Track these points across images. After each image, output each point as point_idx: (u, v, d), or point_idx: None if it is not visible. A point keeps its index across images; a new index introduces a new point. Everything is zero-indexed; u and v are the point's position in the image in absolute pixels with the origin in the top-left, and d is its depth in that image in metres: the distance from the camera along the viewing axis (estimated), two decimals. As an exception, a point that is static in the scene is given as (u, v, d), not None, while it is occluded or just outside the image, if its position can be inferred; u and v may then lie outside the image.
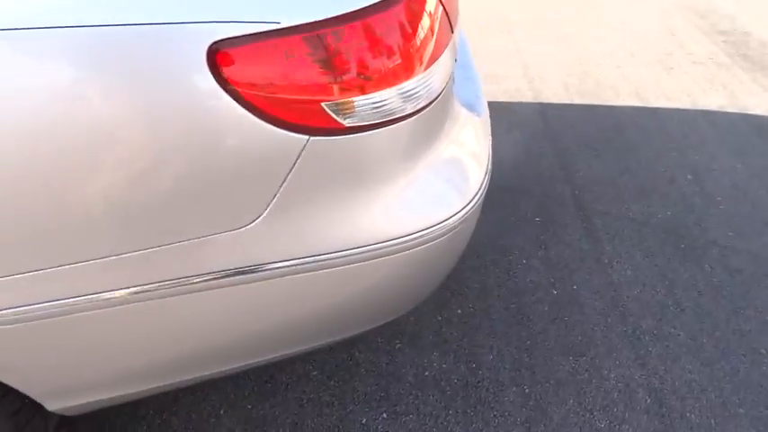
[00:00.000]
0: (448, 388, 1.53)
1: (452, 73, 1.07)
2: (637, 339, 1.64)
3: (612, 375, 1.55)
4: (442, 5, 0.96)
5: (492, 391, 1.52)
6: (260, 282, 0.92)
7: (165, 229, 0.84)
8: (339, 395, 1.52)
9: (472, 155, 1.09)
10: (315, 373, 1.57)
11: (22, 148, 0.74)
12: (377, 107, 0.86)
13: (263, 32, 0.75)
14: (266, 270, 0.91)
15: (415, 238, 0.97)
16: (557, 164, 2.38)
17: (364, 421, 1.45)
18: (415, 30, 0.87)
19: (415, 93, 0.90)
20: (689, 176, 2.29)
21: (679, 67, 3.12)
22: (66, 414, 1.11)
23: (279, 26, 0.76)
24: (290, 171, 0.84)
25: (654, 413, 1.45)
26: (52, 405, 1.05)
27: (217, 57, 0.75)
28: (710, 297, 1.77)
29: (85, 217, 0.81)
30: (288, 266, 0.91)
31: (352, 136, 0.86)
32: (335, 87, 0.81)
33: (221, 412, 1.48)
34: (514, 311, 1.74)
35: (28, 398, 1.03)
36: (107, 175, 0.77)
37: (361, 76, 0.83)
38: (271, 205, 0.87)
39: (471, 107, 1.23)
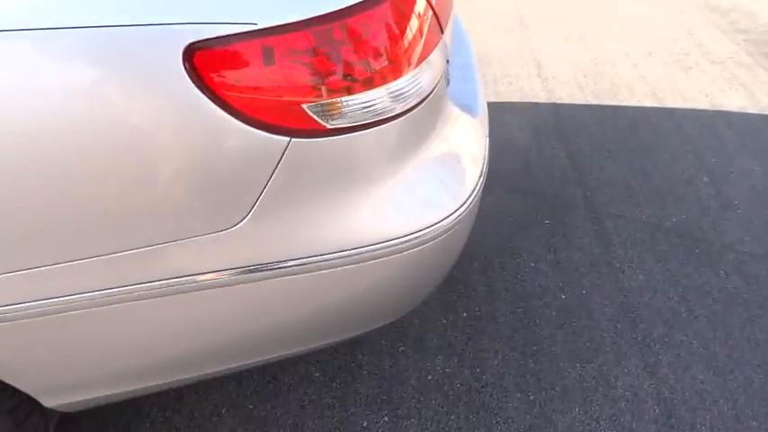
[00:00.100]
0: (451, 392, 1.50)
1: (444, 73, 1.04)
2: (647, 347, 1.60)
3: (620, 384, 1.50)
4: (430, 6, 0.94)
5: (496, 396, 1.49)
6: (247, 283, 0.91)
7: (150, 230, 0.83)
8: (341, 397, 1.50)
9: (466, 156, 1.06)
10: (317, 374, 1.56)
11: (5, 148, 0.74)
12: (361, 108, 0.84)
13: (240, 34, 0.74)
14: (253, 272, 0.90)
15: (406, 241, 0.95)
16: (569, 165, 2.34)
17: (365, 424, 1.43)
18: (400, 30, 0.85)
19: (402, 93, 0.88)
20: (705, 179, 2.23)
21: (697, 66, 3.04)
22: (65, 411, 1.11)
23: (255, 27, 0.74)
24: (273, 173, 0.83)
25: (662, 424, 1.41)
26: (49, 402, 1.05)
27: (194, 58, 0.74)
28: (725, 304, 1.71)
29: (73, 217, 0.80)
30: (275, 268, 0.90)
31: (336, 137, 0.84)
32: (316, 89, 0.79)
33: (223, 411, 1.48)
34: (521, 316, 1.70)
35: (25, 394, 1.04)
36: (86, 176, 0.77)
37: (344, 77, 0.81)
38: (255, 207, 0.85)
39: (468, 108, 1.20)
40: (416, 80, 0.91)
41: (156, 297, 0.89)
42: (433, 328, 1.68)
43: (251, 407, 1.48)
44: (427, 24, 0.94)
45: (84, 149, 0.75)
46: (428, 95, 0.95)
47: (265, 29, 0.75)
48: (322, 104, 0.81)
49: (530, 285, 1.81)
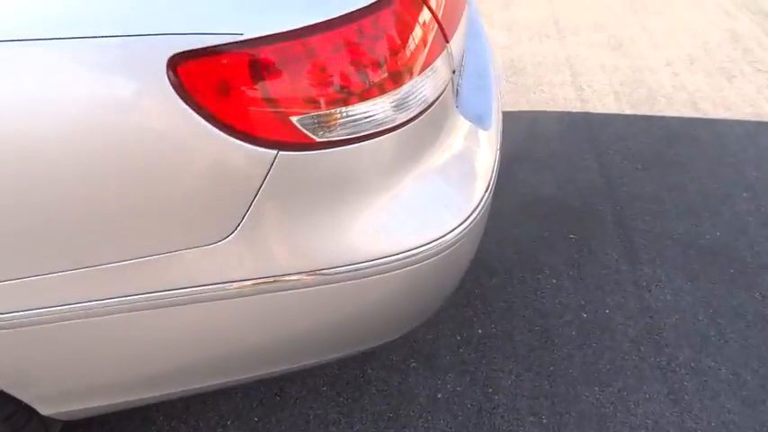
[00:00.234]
0: (460, 413, 1.46)
1: (449, 84, 1.00)
2: (671, 372, 1.51)
3: (641, 411, 1.43)
4: (433, 14, 0.90)
5: (507, 419, 1.43)
6: (237, 298, 0.89)
7: (136, 242, 0.82)
8: (347, 413, 1.47)
9: (471, 169, 1.02)
10: (324, 388, 1.53)
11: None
12: (354, 120, 0.82)
13: (226, 44, 0.72)
14: (242, 287, 0.88)
15: (403, 258, 0.92)
16: (599, 177, 2.26)
17: (370, 442, 1.40)
18: (397, 39, 0.82)
19: (399, 105, 0.85)
20: (744, 194, 2.12)
21: (742, 75, 2.90)
22: (63, 419, 1.12)
23: (242, 38, 0.72)
24: (261, 186, 0.81)
25: (683, 455, 1.33)
26: (45, 410, 1.05)
27: (178, 69, 0.72)
28: (759, 329, 1.61)
29: (62, 229, 0.80)
30: (265, 284, 0.88)
31: (326, 151, 0.82)
32: (305, 100, 0.77)
33: (228, 422, 1.47)
34: (539, 334, 1.64)
35: (23, 402, 1.05)
36: (70, 188, 0.76)
37: (337, 89, 0.78)
38: (245, 220, 0.83)
39: (479, 119, 1.16)
40: (415, 91, 0.88)
41: (148, 309, 0.88)
42: (446, 344, 1.63)
43: (256, 419, 1.47)
44: (430, 33, 0.90)
45: (67, 161, 0.74)
46: (428, 107, 0.91)
47: (252, 39, 0.73)
48: (312, 117, 0.78)
49: (550, 303, 1.74)
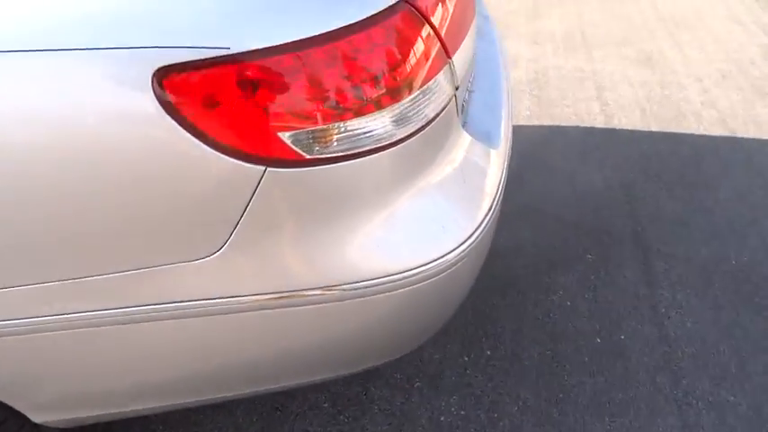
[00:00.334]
0: (463, 438, 1.41)
1: (453, 100, 0.97)
2: (687, 405, 1.44)
3: (653, 444, 1.36)
4: (434, 29, 0.87)
5: (511, 446, 1.38)
6: (223, 315, 0.86)
7: (122, 256, 0.81)
8: (347, 432, 1.44)
9: (474, 189, 0.98)
10: (326, 405, 1.50)
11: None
12: (345, 137, 0.79)
13: (212, 58, 0.70)
14: (229, 303, 0.85)
15: (400, 279, 0.88)
16: (621, 196, 2.19)
17: (369, 464, 1.36)
18: (389, 56, 0.79)
19: (394, 122, 0.82)
20: (774, 218, 2.03)
21: (777, 93, 2.80)
22: (56, 427, 1.11)
23: (228, 51, 0.70)
24: (249, 202, 0.78)
25: (697, 495, 1.26)
26: (36, 418, 1.05)
27: (163, 82, 0.70)
28: (784, 362, 1.53)
29: (45, 240, 0.79)
30: (252, 301, 0.85)
31: (316, 168, 0.79)
32: (292, 117, 0.74)
33: (227, 437, 1.45)
34: (549, 359, 1.58)
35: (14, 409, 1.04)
36: (54, 200, 0.75)
37: (326, 105, 0.76)
38: (233, 236, 0.81)
39: (486, 136, 1.12)
40: (413, 107, 0.85)
41: (134, 323, 0.86)
42: (452, 365, 1.59)
43: (254, 433, 1.44)
44: (431, 48, 0.87)
45: (50, 173, 0.73)
46: (428, 124, 0.88)
47: (239, 53, 0.71)
48: (302, 133, 0.76)
49: (563, 326, 1.68)
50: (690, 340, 1.61)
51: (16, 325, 0.87)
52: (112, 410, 1.01)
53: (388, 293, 0.89)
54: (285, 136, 0.75)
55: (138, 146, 0.72)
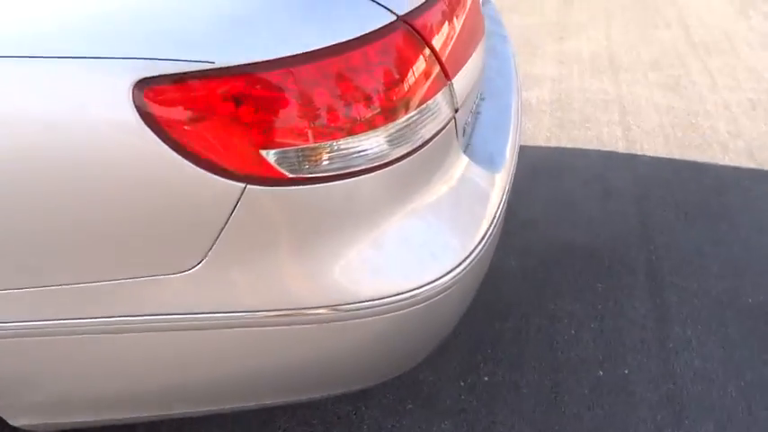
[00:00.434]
0: (453, 465, 1.37)
1: (452, 122, 0.95)
2: (689, 447, 1.39)
3: (649, 486, 1.31)
4: (433, 51, 0.85)
5: (502, 478, 1.34)
6: (201, 330, 0.85)
7: (99, 265, 0.80)
8: (335, 451, 1.41)
9: (470, 213, 0.96)
10: (315, 421, 1.48)
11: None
12: (333, 156, 0.77)
13: (196, 72, 0.69)
14: (203, 320, 0.84)
15: (381, 304, 0.86)
16: (637, 224, 2.13)
17: (354, 486, 1.34)
18: (383, 75, 0.77)
19: (386, 143, 0.80)
20: (796, 257, 1.95)
21: (809, 126, 2.71)
22: (33, 431, 1.11)
23: (212, 66, 0.69)
24: (228, 219, 0.77)
25: None
26: (13, 421, 1.05)
27: (144, 94, 0.70)
28: (795, 409, 1.46)
29: (14, 246, 0.79)
30: (231, 318, 0.84)
31: (301, 187, 0.77)
32: (275, 135, 0.73)
33: (213, 447, 1.44)
34: (548, 389, 1.54)
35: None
36: (30, 207, 0.75)
37: (313, 124, 0.74)
38: (211, 253, 0.80)
39: (489, 159, 1.10)
40: (406, 129, 0.83)
41: (112, 333, 0.86)
42: (448, 388, 1.55)
43: (240, 445, 1.43)
44: (430, 69, 0.85)
45: (26, 180, 0.73)
46: (422, 146, 0.86)
47: (223, 68, 0.70)
48: (284, 151, 0.75)
49: (566, 355, 1.64)
50: (697, 379, 1.55)
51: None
52: (90, 418, 1.01)
53: (372, 318, 0.87)
54: (268, 154, 0.74)
55: (116, 156, 0.72)
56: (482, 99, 1.34)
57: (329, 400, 1.53)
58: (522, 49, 3.62)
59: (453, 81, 0.92)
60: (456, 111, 0.95)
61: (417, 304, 0.90)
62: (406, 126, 0.83)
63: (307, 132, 0.74)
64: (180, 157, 0.72)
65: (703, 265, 1.93)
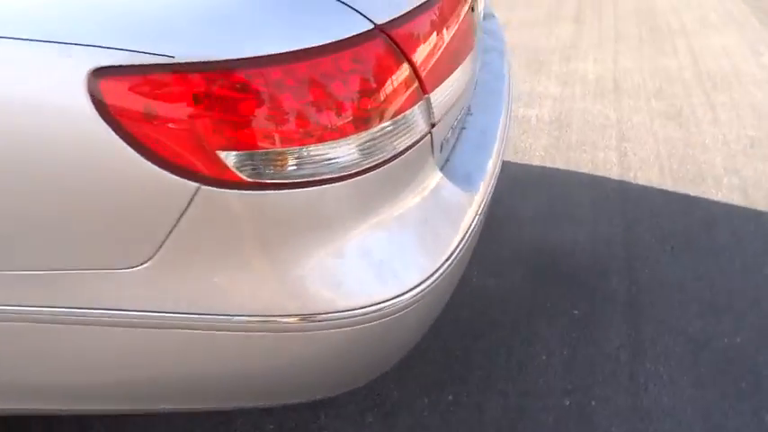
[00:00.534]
0: (406, 483, 1.35)
1: (428, 137, 0.92)
2: (648, 487, 1.36)
3: None
4: (411, 64, 0.82)
5: (454, 501, 1.32)
6: (144, 328, 0.83)
7: (44, 253, 0.78)
8: (289, 458, 1.39)
9: (434, 235, 0.93)
10: (271, 427, 1.45)
11: None
12: (294, 164, 0.75)
13: (154, 65, 0.67)
14: (152, 318, 0.82)
15: (331, 319, 0.84)
16: (621, 253, 2.11)
17: (305, 495, 1.31)
18: (348, 85, 0.75)
19: (349, 154, 0.78)
20: (778, 301, 1.93)
21: (806, 169, 2.68)
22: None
23: (172, 60, 0.67)
24: (180, 219, 0.75)
25: None
26: None
27: (100, 84, 0.67)
28: (759, 458, 1.44)
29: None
30: (175, 319, 0.82)
31: (258, 192, 0.75)
32: (236, 136, 0.70)
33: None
34: (512, 414, 1.51)
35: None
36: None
37: (273, 128, 0.72)
38: (161, 251, 0.78)
39: (466, 178, 1.07)
40: (372, 142, 0.80)
41: (52, 323, 0.83)
42: (411, 404, 1.53)
43: (193, 444, 1.40)
44: (403, 83, 0.83)
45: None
46: (387, 161, 0.84)
47: (183, 63, 0.67)
48: (242, 154, 0.72)
49: (533, 381, 1.61)
50: (664, 417, 1.52)
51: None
52: (24, 406, 0.98)
53: (325, 330, 0.85)
54: (225, 155, 0.71)
55: (67, 144, 0.69)
56: (469, 114, 1.31)
57: (288, 407, 1.50)
58: (528, 67, 3.61)
59: (431, 95, 0.89)
60: (433, 126, 0.93)
61: (374, 320, 0.87)
62: (375, 137, 0.81)
63: (267, 136, 0.71)
64: (132, 151, 0.70)
65: (684, 300, 1.91)
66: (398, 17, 0.82)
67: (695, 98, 3.31)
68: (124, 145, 0.69)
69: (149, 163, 0.70)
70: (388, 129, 0.82)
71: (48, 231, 0.75)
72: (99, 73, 0.67)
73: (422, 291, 0.90)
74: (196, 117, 0.69)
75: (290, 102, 0.72)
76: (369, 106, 0.77)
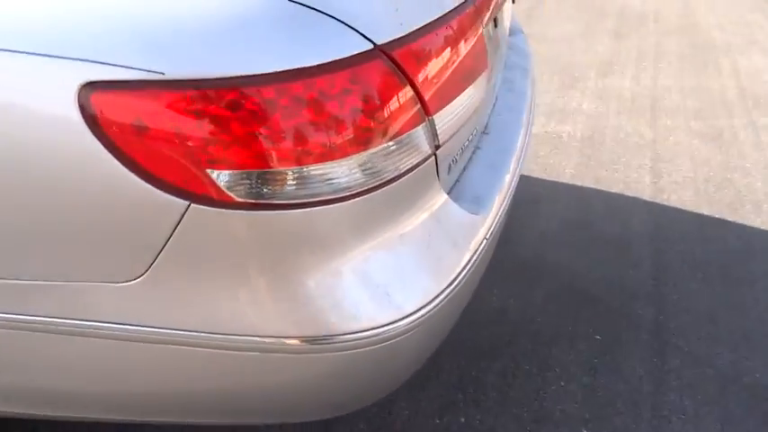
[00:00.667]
0: (410, 508, 1.32)
1: (432, 159, 0.90)
2: None
3: None
4: (411, 83, 0.81)
5: None
6: (133, 342, 0.83)
7: (34, 264, 0.79)
8: (294, 475, 1.37)
9: (435, 260, 0.91)
10: (278, 440, 1.44)
11: None
12: (286, 184, 0.74)
13: (144, 81, 0.67)
14: (143, 333, 0.82)
15: (322, 342, 0.82)
16: (649, 278, 2.03)
17: None
18: (345, 105, 0.74)
19: (344, 176, 0.77)
20: (815, 337, 1.82)
21: None
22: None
23: (162, 77, 0.67)
24: (171, 235, 0.75)
25: None
26: None
27: (91, 98, 0.68)
28: (787, 504, 1.35)
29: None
30: (166, 335, 0.81)
31: (248, 212, 0.74)
32: (225, 155, 0.70)
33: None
34: (525, 441, 1.47)
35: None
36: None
37: (265, 148, 0.71)
38: (153, 267, 0.78)
39: (475, 201, 1.05)
40: (369, 164, 0.79)
41: (41, 332, 0.84)
42: (421, 424, 1.50)
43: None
44: (404, 104, 0.81)
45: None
46: (385, 183, 0.82)
47: (174, 80, 0.67)
48: (232, 174, 0.72)
49: (550, 407, 1.56)
50: (685, 455, 1.45)
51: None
52: (17, 410, 0.99)
53: (313, 354, 0.83)
54: (219, 175, 0.71)
55: (56, 157, 0.71)
56: (485, 134, 1.29)
57: (298, 423, 1.49)
58: (563, 82, 3.54)
59: (435, 117, 0.87)
60: (437, 147, 0.91)
61: (372, 345, 0.85)
62: (373, 159, 0.79)
63: (258, 156, 0.71)
64: (122, 166, 0.70)
65: (713, 331, 1.82)
66: (401, 37, 0.81)
67: (737, 119, 3.19)
68: (113, 159, 0.69)
69: (138, 178, 0.71)
70: (387, 151, 0.80)
71: (42, 242, 0.77)
72: (90, 87, 0.67)
73: (422, 316, 0.88)
74: (185, 135, 0.69)
75: (283, 122, 0.71)
76: (365, 128, 0.76)
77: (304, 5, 0.73)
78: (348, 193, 0.77)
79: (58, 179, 0.72)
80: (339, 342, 0.82)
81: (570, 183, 2.55)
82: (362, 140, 0.76)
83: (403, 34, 0.81)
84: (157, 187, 0.71)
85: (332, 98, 0.73)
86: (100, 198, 0.72)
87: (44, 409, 0.95)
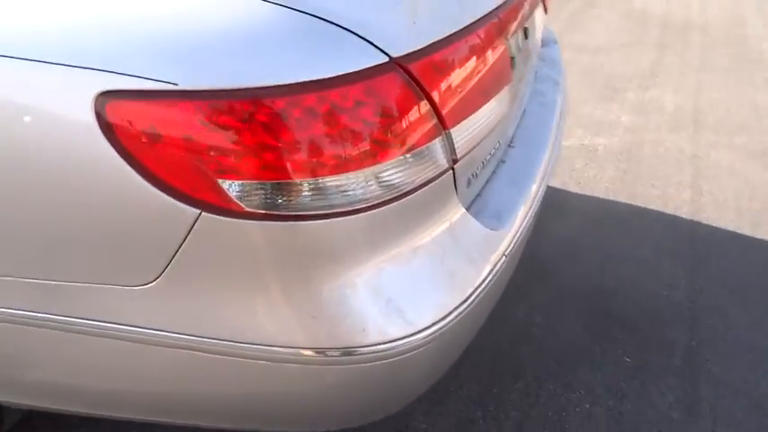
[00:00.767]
0: None
1: (450, 173, 0.89)
2: None
3: None
4: (427, 96, 0.79)
5: None
6: (147, 345, 0.84)
7: (51, 265, 0.80)
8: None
9: (449, 276, 0.89)
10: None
11: None
12: (296, 195, 0.73)
13: (158, 91, 0.68)
14: (155, 336, 0.82)
15: (326, 354, 0.81)
16: (685, 301, 1.96)
17: None
18: (358, 118, 0.73)
19: (356, 189, 0.76)
20: None
21: None
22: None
23: (175, 87, 0.67)
24: (183, 242, 0.75)
25: None
26: None
27: (106, 107, 0.69)
28: None
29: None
30: (177, 340, 0.82)
31: (257, 222, 0.74)
32: (233, 165, 0.70)
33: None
34: (544, 465, 1.43)
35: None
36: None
37: (273, 159, 0.71)
38: (166, 272, 0.78)
39: (495, 217, 1.02)
40: (382, 177, 0.78)
41: (59, 331, 0.86)
42: (437, 441, 1.47)
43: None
44: (420, 117, 0.80)
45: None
46: (398, 198, 0.81)
47: (187, 91, 0.68)
48: (242, 184, 0.72)
49: (572, 430, 1.51)
50: (715, 488, 1.39)
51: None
52: (36, 403, 1.01)
53: (322, 366, 0.82)
54: (226, 184, 0.71)
55: (72, 164, 0.72)
56: (511, 147, 1.26)
57: (312, 431, 1.49)
58: (602, 94, 3.47)
59: (453, 131, 0.85)
60: (455, 161, 0.89)
61: (384, 359, 0.84)
62: (388, 172, 0.78)
63: (269, 167, 0.70)
64: (138, 175, 0.71)
65: (752, 360, 1.74)
66: (418, 50, 0.80)
67: (786, 136, 3.06)
68: (129, 170, 0.70)
69: (151, 186, 0.71)
70: (403, 164, 0.79)
71: (59, 244, 0.78)
72: (105, 96, 0.69)
73: (435, 331, 0.86)
74: (197, 144, 0.69)
75: (296, 133, 0.70)
76: (379, 141, 0.75)
77: (318, 18, 0.72)
78: (363, 206, 0.77)
79: (73, 185, 0.73)
80: (351, 354, 0.81)
81: (605, 197, 2.49)
82: (377, 153, 0.75)
83: (420, 47, 0.80)
84: (170, 195, 0.72)
85: (345, 111, 0.72)
86: (113, 204, 0.73)
87: (58, 403, 0.97)
